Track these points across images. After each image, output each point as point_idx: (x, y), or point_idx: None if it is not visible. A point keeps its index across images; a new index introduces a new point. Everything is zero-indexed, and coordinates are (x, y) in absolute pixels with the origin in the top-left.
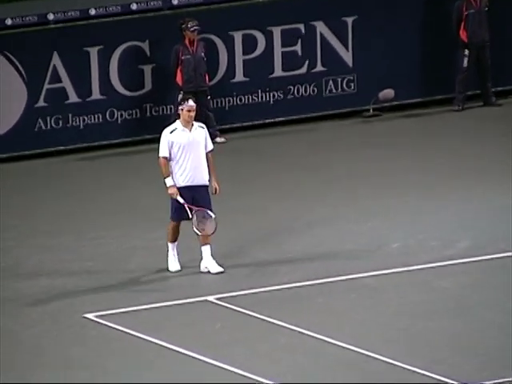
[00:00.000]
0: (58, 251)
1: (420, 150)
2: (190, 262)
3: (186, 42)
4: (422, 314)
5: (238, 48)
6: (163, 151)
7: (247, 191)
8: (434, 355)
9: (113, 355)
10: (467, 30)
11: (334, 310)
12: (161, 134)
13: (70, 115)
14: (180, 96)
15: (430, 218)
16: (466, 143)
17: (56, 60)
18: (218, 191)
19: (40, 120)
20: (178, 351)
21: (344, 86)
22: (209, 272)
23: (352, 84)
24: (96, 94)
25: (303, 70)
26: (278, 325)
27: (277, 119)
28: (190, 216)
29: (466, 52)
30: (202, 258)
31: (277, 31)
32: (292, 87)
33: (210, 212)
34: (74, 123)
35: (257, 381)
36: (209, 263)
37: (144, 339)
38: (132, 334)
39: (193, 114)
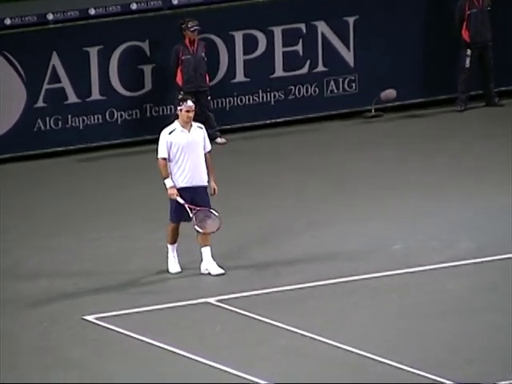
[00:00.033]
0: (58, 252)
1: (422, 150)
2: (190, 264)
3: (186, 41)
4: (424, 315)
5: (238, 48)
6: (162, 152)
7: (248, 192)
8: (436, 357)
9: (113, 357)
10: (469, 29)
11: (335, 312)
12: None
13: (70, 116)
14: (180, 96)
15: (432, 219)
16: (468, 144)
17: (55, 60)
18: (216, 192)
19: (39, 120)
20: (178, 353)
21: (345, 86)
22: (209, 274)
23: (353, 84)
24: (96, 95)
25: (304, 70)
26: (279, 327)
27: (278, 120)
28: (191, 215)
29: (469, 52)
30: (202, 260)
31: (278, 31)
32: (293, 87)
33: (212, 211)
34: (73, 124)
35: (257, 383)
36: (209, 265)
37: (144, 341)
38: (132, 336)
39: (191, 114)
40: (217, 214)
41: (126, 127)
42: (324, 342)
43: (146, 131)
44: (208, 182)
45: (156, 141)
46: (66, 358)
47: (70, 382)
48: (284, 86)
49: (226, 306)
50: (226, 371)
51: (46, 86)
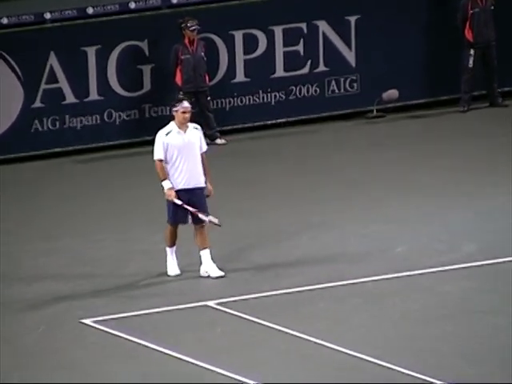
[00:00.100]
0: (55, 255)
1: (424, 151)
2: (190, 266)
3: (186, 41)
4: (426, 319)
5: (238, 48)
6: (158, 154)
7: (248, 194)
8: (439, 361)
9: (111, 361)
10: (473, 29)
11: (336, 315)
12: None
13: (67, 116)
14: (180, 96)
15: (434, 221)
16: (471, 145)
17: (53, 60)
18: (211, 193)
19: (36, 121)
20: (177, 357)
21: (347, 86)
22: (209, 276)
23: (355, 84)
24: (94, 95)
25: (305, 70)
26: (279, 330)
27: (278, 120)
28: (193, 214)
29: (472, 52)
30: (201, 263)
31: (278, 30)
32: (294, 88)
33: (201, 216)
34: (71, 124)
35: None
36: (209, 267)
37: (143, 344)
38: (131, 340)
39: (188, 115)
40: (207, 219)
41: (125, 128)
42: (325, 346)
43: (145, 132)
44: (204, 183)
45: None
46: (64, 362)
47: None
48: (285, 86)
49: (226, 309)
50: (225, 375)
51: (43, 86)
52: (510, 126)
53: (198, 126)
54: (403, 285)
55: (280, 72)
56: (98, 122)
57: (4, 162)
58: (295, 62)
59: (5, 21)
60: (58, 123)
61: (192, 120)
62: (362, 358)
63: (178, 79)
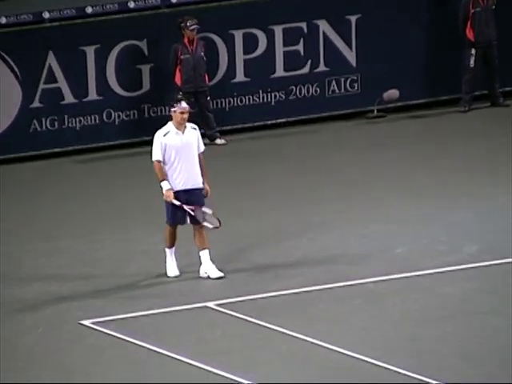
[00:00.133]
0: (54, 255)
1: (425, 152)
2: (189, 267)
3: (185, 41)
4: (427, 320)
5: (238, 47)
6: (157, 155)
7: (248, 194)
8: (440, 362)
9: (110, 362)
10: (474, 28)
11: (336, 317)
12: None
13: (66, 116)
14: (179, 96)
15: (435, 222)
16: (472, 145)
17: (51, 59)
18: (208, 194)
19: (35, 121)
20: (176, 359)
21: (347, 86)
22: (208, 277)
23: (356, 84)
24: (93, 95)
25: (305, 69)
26: (279, 331)
27: (278, 120)
28: (192, 214)
29: (473, 51)
30: (201, 264)
31: (278, 30)
32: (294, 87)
33: (205, 209)
34: (69, 124)
35: None
36: (208, 268)
37: (142, 346)
38: (130, 341)
39: (186, 116)
40: (210, 212)
41: (124, 128)
42: (325, 347)
43: (144, 132)
44: (202, 183)
45: None
46: (63, 363)
47: None
48: (285, 86)
49: (226, 311)
50: (225, 376)
51: (42, 86)
52: (511, 126)
53: (196, 126)
54: (403, 285)
55: (280, 72)
56: (97, 122)
57: (3, 163)
58: (295, 61)
59: (3, 20)
60: (56, 123)
61: (190, 120)
62: (361, 359)
63: (178, 79)
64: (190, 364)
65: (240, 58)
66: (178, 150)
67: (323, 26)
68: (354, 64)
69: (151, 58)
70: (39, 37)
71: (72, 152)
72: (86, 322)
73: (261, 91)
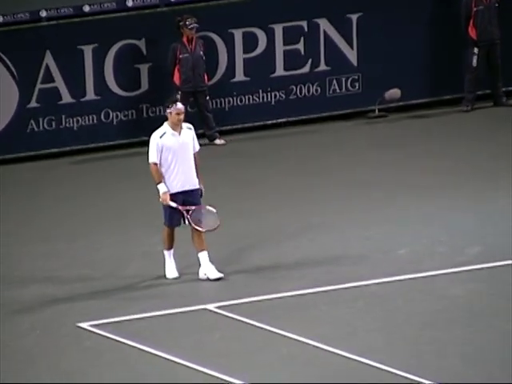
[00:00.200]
0: (52, 257)
1: (427, 152)
2: (188, 269)
3: (184, 39)
4: (431, 322)
5: (238, 46)
6: (153, 157)
7: (247, 195)
8: (444, 364)
9: (108, 365)
10: (476, 27)
11: (338, 319)
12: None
13: (64, 116)
14: (178, 96)
15: (438, 223)
16: (475, 145)
17: (49, 59)
18: (203, 194)
19: (32, 121)
20: (175, 361)
21: (348, 85)
22: (208, 279)
23: (357, 84)
24: (90, 95)
25: (306, 69)
26: (280, 334)
27: (278, 120)
28: (187, 215)
29: (476, 50)
30: (200, 265)
31: (278, 29)
32: (294, 87)
33: (209, 207)
34: (67, 124)
35: None
36: (207, 269)
37: (140, 349)
38: (128, 344)
39: (182, 117)
40: (214, 211)
41: (122, 128)
42: (327, 350)
43: (143, 132)
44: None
45: None
46: (60, 366)
47: None
48: (285, 85)
49: (225, 313)
50: (224, 380)
51: (39, 86)
52: None
53: (191, 126)
54: (408, 288)
55: (280, 71)
56: (95, 122)
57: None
58: (296, 60)
59: (0, 19)
60: (54, 123)
61: (185, 120)
62: (364, 363)
63: (177, 79)
64: (189, 367)
65: (240, 57)
66: (175, 151)
67: (324, 24)
68: (355, 63)
69: (150, 58)
70: (36, 36)
71: (69, 152)
72: (84, 325)
73: (261, 91)
